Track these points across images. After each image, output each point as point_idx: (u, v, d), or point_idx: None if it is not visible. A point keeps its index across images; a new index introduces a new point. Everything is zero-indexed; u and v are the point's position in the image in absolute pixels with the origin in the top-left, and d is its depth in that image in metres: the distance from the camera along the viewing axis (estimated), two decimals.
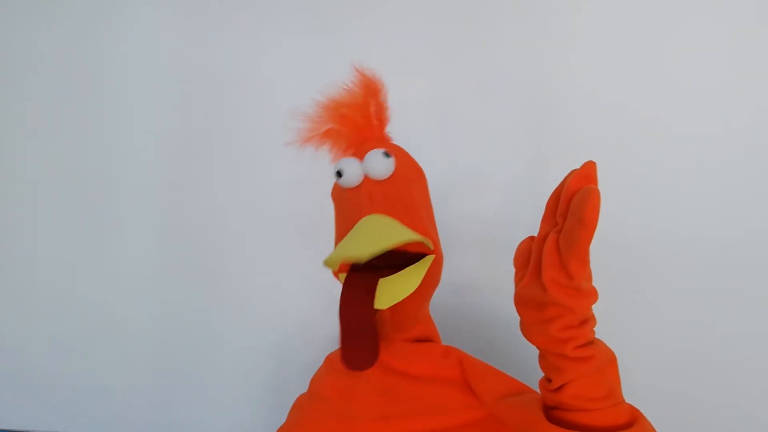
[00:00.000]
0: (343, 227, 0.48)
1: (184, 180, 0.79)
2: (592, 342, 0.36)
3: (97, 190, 0.80)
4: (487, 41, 0.74)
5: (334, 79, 0.51)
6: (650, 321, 0.66)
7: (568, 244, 0.32)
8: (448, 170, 0.71)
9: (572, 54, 0.71)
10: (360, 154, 0.48)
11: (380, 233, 0.42)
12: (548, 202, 0.37)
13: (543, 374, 0.39)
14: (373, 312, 0.42)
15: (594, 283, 0.36)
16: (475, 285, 0.70)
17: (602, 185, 0.73)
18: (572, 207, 0.32)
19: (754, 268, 0.64)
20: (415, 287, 0.44)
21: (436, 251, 0.48)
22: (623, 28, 0.70)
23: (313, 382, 0.52)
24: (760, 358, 0.63)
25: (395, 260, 0.46)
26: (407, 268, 0.45)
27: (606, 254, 0.66)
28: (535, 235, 0.38)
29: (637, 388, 0.66)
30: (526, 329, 0.38)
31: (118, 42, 0.81)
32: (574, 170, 0.34)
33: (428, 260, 0.46)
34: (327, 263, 0.43)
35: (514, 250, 0.40)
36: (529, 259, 0.38)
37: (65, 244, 0.80)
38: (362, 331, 0.42)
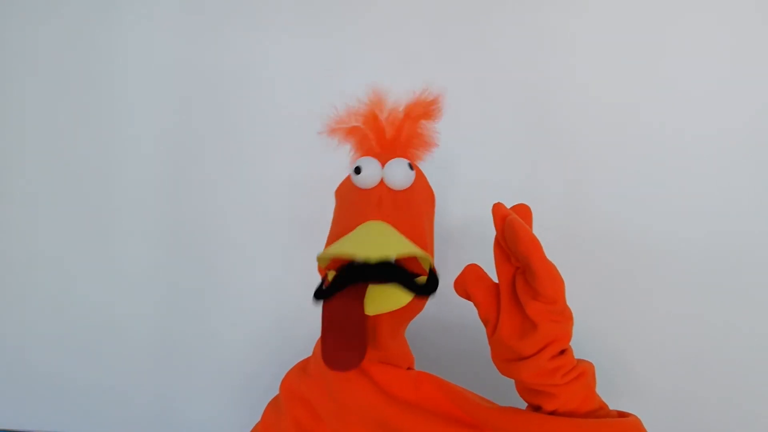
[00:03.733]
0: (343, 225, 0.47)
1: (184, 180, 0.79)
2: (579, 362, 0.38)
3: (96, 189, 0.80)
4: (487, 41, 0.74)
5: (408, 86, 0.51)
6: (650, 319, 0.66)
7: (531, 273, 0.35)
8: (445, 170, 0.71)
9: (572, 54, 0.71)
10: (382, 159, 0.47)
11: (383, 240, 0.41)
12: (494, 252, 0.40)
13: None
14: (363, 313, 0.41)
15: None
16: None
17: (601, 185, 0.73)
18: (509, 244, 0.36)
19: (753, 266, 0.64)
20: (404, 303, 0.43)
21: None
22: (623, 29, 0.70)
23: (295, 388, 0.49)
24: (761, 355, 0.63)
25: (388, 273, 0.43)
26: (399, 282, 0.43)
27: (605, 253, 0.67)
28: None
29: (638, 386, 0.66)
30: (515, 368, 0.38)
31: (118, 42, 0.81)
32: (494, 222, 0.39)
33: (422, 280, 0.44)
34: (320, 258, 0.42)
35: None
36: (497, 299, 0.40)
37: (65, 244, 0.80)
38: (350, 330, 0.41)
